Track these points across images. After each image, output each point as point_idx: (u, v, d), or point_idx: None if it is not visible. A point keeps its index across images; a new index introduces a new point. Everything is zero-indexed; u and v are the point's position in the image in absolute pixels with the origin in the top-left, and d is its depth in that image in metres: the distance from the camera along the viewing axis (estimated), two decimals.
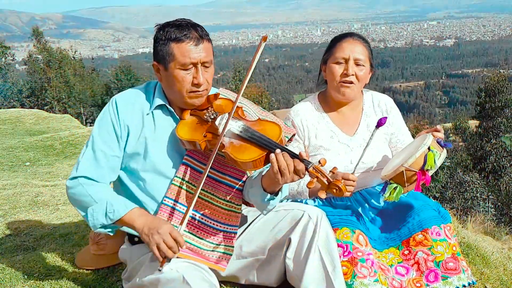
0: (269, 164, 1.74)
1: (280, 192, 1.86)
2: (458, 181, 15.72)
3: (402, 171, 1.99)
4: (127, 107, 1.92)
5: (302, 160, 1.69)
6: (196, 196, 1.77)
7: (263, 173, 1.85)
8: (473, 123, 22.57)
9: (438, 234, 2.05)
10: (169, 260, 1.70)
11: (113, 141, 1.88)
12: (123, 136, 1.90)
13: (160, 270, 1.70)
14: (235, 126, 1.81)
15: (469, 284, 2.02)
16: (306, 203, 2.25)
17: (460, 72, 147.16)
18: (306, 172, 1.70)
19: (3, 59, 27.72)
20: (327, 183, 1.66)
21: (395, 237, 2.14)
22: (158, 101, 1.92)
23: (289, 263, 1.89)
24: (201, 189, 1.88)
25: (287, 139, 1.96)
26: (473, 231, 4.54)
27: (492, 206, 14.77)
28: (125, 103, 1.92)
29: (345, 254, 1.95)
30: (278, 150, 1.70)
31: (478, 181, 15.56)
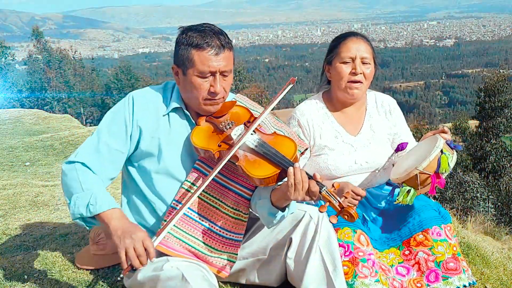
0: (281, 181, 1.73)
1: (287, 209, 1.84)
2: (458, 181, 15.71)
3: (416, 174, 1.98)
4: (143, 105, 1.90)
5: (316, 182, 1.68)
6: (194, 197, 1.73)
7: (274, 187, 1.83)
8: (473, 123, 22.57)
9: (438, 234, 2.05)
10: (133, 270, 1.59)
11: (121, 136, 1.86)
12: (133, 135, 1.88)
13: (120, 279, 1.58)
14: (251, 139, 1.80)
15: (469, 284, 2.02)
16: (307, 203, 2.26)
17: (460, 72, 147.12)
18: (319, 195, 1.68)
19: (3, 59, 27.76)
20: (339, 209, 1.64)
21: (395, 237, 2.14)
22: (175, 104, 1.91)
23: (290, 263, 1.90)
24: (210, 195, 1.89)
25: (299, 153, 1.95)
26: (473, 231, 4.54)
27: (492, 206, 14.76)
28: (142, 102, 1.91)
29: (346, 254, 1.95)
30: (297, 164, 1.69)
31: (478, 181, 15.55)
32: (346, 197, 1.66)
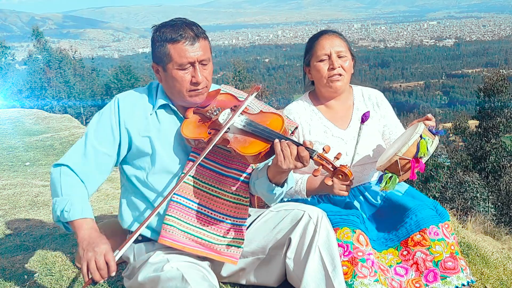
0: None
1: (286, 183, 1.87)
2: (458, 181, 15.73)
3: (396, 160, 2.03)
4: (129, 107, 1.92)
5: (306, 148, 1.71)
6: (181, 183, 1.75)
7: (269, 164, 1.86)
8: (472, 123, 22.57)
9: (436, 233, 2.06)
10: (94, 283, 1.61)
11: (107, 139, 1.88)
12: (122, 138, 1.90)
13: None
14: (238, 120, 1.82)
15: (468, 283, 2.02)
16: (306, 202, 2.26)
17: (460, 72, 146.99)
18: (311, 160, 1.71)
19: (3, 59, 27.73)
20: (332, 170, 1.69)
21: (393, 238, 2.14)
22: (161, 101, 1.93)
23: (289, 263, 1.90)
24: (209, 185, 1.92)
25: (290, 132, 2.00)
26: (473, 231, 4.55)
27: (492, 206, 14.79)
28: (128, 103, 1.93)
29: (345, 254, 1.95)
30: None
31: (478, 181, 15.57)
32: (338, 158, 1.69)
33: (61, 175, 1.82)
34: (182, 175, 1.86)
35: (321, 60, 2.28)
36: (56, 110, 27.83)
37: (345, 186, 2.12)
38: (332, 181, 1.70)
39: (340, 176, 1.68)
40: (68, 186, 1.80)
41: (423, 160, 2.04)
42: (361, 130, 2.15)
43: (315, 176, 1.68)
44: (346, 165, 1.69)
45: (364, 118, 2.14)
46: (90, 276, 1.60)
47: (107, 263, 1.62)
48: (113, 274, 1.63)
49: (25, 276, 2.34)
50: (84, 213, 1.75)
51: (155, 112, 1.94)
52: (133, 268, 1.96)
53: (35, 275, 2.37)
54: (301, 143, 1.73)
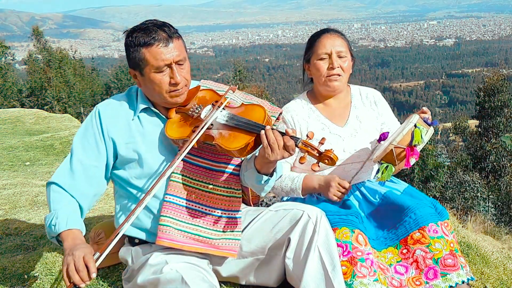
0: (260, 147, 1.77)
1: (274, 173, 1.88)
2: (458, 181, 15.74)
3: (392, 149, 2.06)
4: (111, 117, 1.93)
5: (290, 137, 1.72)
6: (163, 178, 1.74)
7: (256, 155, 1.87)
8: (472, 123, 22.59)
9: (435, 231, 2.06)
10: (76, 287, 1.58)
11: (93, 151, 1.90)
12: (108, 147, 1.91)
13: None
14: (221, 116, 1.84)
15: (468, 280, 2.02)
16: (305, 201, 2.26)
17: (460, 72, 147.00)
18: (296, 149, 1.72)
19: (3, 59, 27.70)
20: (318, 155, 1.70)
21: (393, 236, 2.14)
22: (142, 105, 1.94)
23: (289, 263, 1.90)
24: (201, 181, 1.93)
25: (274, 119, 2.01)
26: (473, 231, 4.55)
27: (492, 206, 14.80)
28: (109, 113, 1.94)
29: (344, 254, 1.95)
30: (267, 127, 1.73)
31: (478, 181, 15.58)
32: (322, 143, 1.70)
33: (50, 193, 1.85)
34: (164, 171, 1.86)
35: (321, 59, 2.30)
36: (56, 110, 27.80)
37: (340, 193, 2.16)
38: (319, 166, 1.70)
39: (326, 160, 1.69)
40: (55, 201, 1.83)
41: (418, 149, 2.07)
42: (376, 148, 2.21)
43: (301, 163, 1.68)
44: (331, 149, 1.69)
45: (383, 137, 2.22)
46: (71, 280, 1.58)
47: (86, 266, 1.58)
48: (94, 276, 1.59)
49: (25, 276, 2.34)
50: (69, 224, 1.75)
51: (137, 116, 1.94)
52: (132, 271, 1.96)
53: (35, 275, 2.37)
54: (284, 132, 1.73)
